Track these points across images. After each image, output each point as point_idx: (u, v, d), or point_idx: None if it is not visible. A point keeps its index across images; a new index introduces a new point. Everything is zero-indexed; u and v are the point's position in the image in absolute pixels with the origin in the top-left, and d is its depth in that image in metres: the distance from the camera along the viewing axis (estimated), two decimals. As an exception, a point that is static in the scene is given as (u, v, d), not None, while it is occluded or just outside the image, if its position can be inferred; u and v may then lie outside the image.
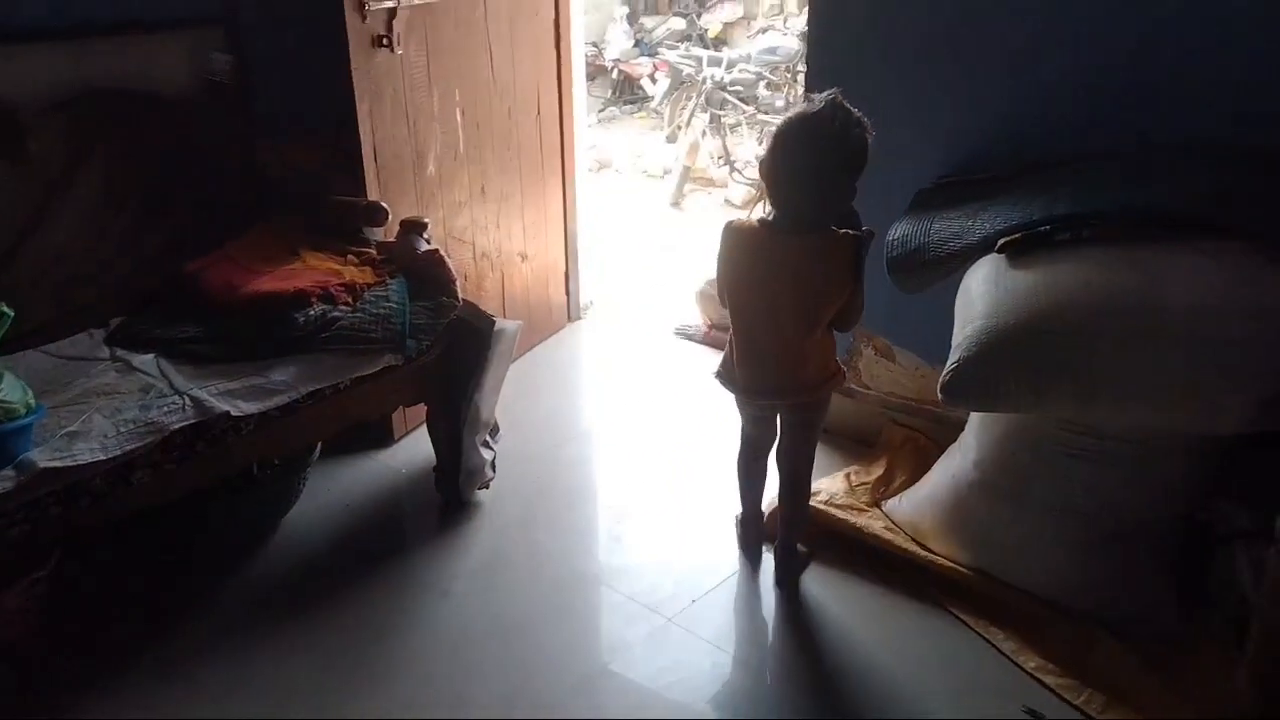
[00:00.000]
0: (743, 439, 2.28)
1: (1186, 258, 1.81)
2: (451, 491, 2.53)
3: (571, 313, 3.74)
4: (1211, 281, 1.76)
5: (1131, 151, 2.13)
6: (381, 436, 2.84)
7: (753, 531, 2.37)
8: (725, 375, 2.14)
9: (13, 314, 1.92)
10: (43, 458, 1.78)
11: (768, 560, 2.33)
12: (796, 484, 2.23)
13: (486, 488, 2.59)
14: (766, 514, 2.38)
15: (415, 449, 2.79)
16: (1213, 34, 2.02)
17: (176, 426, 1.93)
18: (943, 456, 2.32)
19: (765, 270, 1.97)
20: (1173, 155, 2.07)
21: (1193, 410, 1.72)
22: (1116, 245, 1.88)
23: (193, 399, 2.00)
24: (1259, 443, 1.77)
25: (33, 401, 1.85)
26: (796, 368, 2.03)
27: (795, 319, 1.97)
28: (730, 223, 2.03)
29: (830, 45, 2.56)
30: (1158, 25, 2.08)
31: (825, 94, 1.91)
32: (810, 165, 1.88)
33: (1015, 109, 2.29)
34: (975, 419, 2.16)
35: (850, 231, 1.95)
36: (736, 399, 2.17)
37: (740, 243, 2.00)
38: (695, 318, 3.66)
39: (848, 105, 1.90)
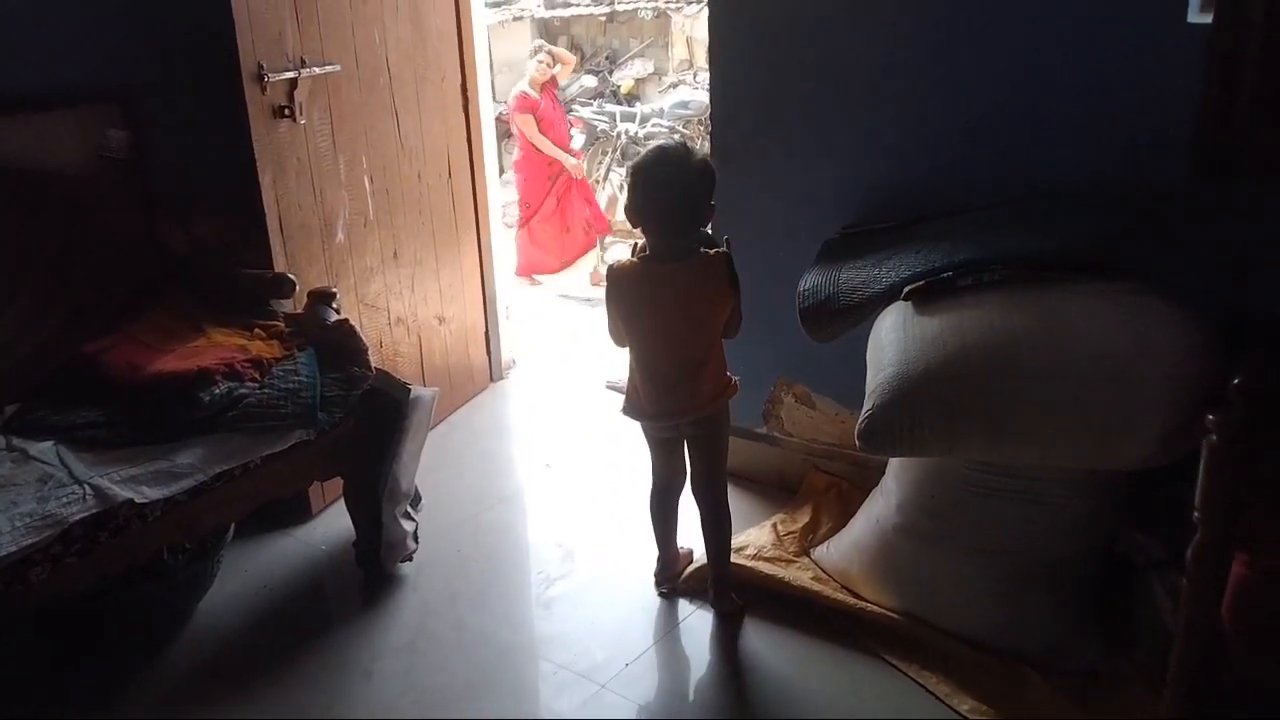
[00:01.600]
0: (654, 479, 2.34)
1: (1085, 300, 1.87)
2: (373, 565, 2.46)
3: (494, 373, 3.71)
4: (1108, 321, 1.81)
5: (1027, 197, 2.20)
6: (298, 512, 2.75)
7: (669, 573, 2.40)
8: (632, 407, 2.23)
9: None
10: (-71, 559, 1.68)
11: (699, 619, 2.30)
12: (717, 513, 2.27)
13: (410, 559, 2.52)
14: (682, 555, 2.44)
15: (334, 523, 2.71)
16: (1095, 79, 2.11)
17: (77, 518, 1.85)
18: (866, 501, 2.33)
19: (654, 301, 2.11)
20: (1066, 200, 2.14)
21: (1096, 446, 1.76)
22: (1016, 289, 1.92)
23: (94, 487, 1.92)
24: (1165, 474, 1.81)
25: (-83, 500, 1.75)
26: (697, 383, 2.14)
27: (690, 337, 2.12)
28: (611, 266, 2.17)
29: (733, 103, 2.61)
30: (1041, 73, 2.16)
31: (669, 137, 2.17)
32: (673, 193, 2.04)
33: (912, 159, 2.36)
34: (894, 463, 2.18)
35: (719, 250, 2.12)
36: (644, 429, 2.27)
37: (625, 281, 2.13)
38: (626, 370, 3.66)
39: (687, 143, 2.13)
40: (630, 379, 2.21)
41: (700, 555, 2.36)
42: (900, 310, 1.99)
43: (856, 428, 1.88)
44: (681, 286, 2.08)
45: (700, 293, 2.08)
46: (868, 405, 1.87)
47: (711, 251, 2.10)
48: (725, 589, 2.30)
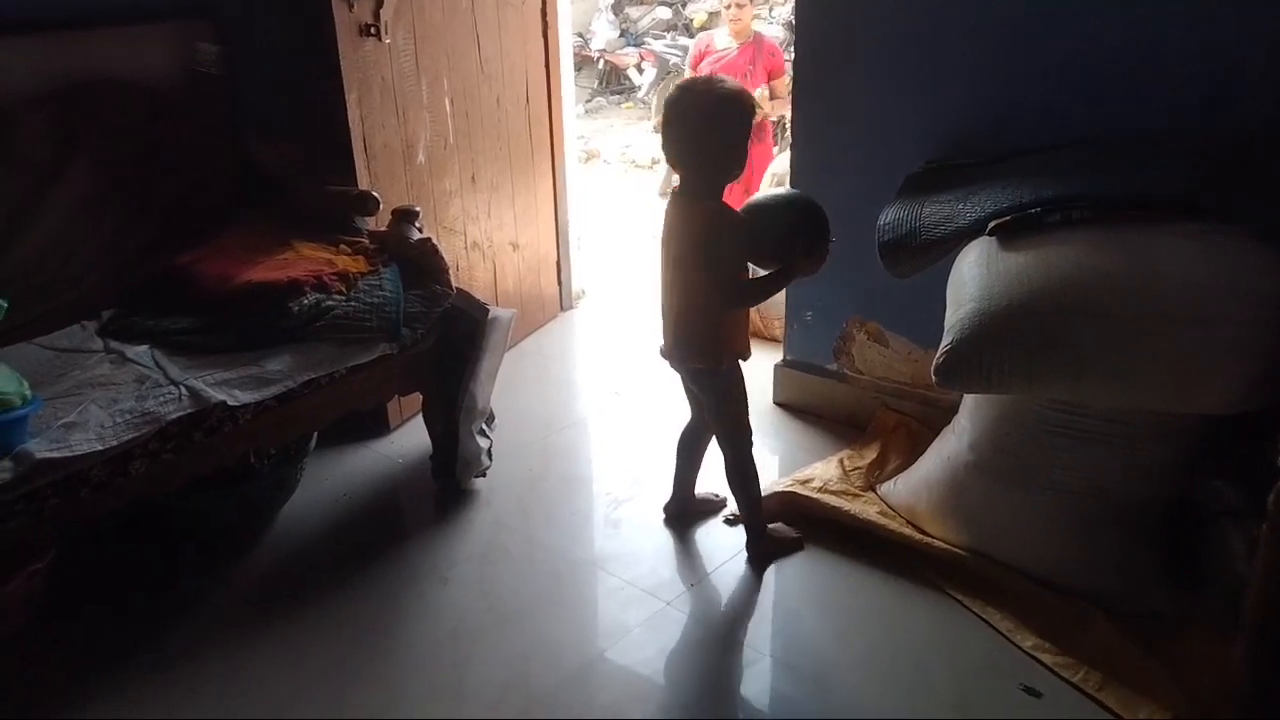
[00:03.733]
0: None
1: (1174, 240, 1.84)
2: (448, 480, 2.53)
3: (564, 301, 3.75)
4: (1199, 263, 1.78)
5: (1117, 137, 2.15)
6: (377, 426, 2.84)
7: (674, 510, 2.44)
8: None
9: (7, 304, 1.92)
10: (40, 449, 1.77)
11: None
12: (728, 469, 2.26)
13: (483, 476, 2.60)
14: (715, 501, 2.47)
15: (411, 438, 2.80)
16: (1193, 21, 2.04)
17: (173, 416, 1.93)
18: (937, 439, 2.33)
19: (663, 235, 2.11)
20: (1157, 141, 2.09)
21: (1181, 389, 1.74)
22: (1105, 227, 1.89)
23: (189, 389, 2.00)
24: (1247, 421, 1.79)
25: (29, 393, 1.84)
26: (679, 330, 2.12)
27: (671, 281, 2.11)
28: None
29: (818, 31, 2.57)
30: (1141, 11, 2.09)
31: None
32: (688, 129, 1.98)
33: (1003, 94, 2.30)
34: (969, 401, 2.18)
35: (720, 207, 2.03)
36: None
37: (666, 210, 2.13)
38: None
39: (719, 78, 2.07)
40: None
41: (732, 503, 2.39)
42: (984, 246, 1.97)
43: (934, 363, 1.87)
44: (673, 229, 2.07)
45: (683, 243, 2.05)
46: (946, 340, 1.87)
47: (711, 205, 2.02)
48: (753, 538, 2.31)
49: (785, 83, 4.25)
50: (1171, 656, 1.88)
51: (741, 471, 2.25)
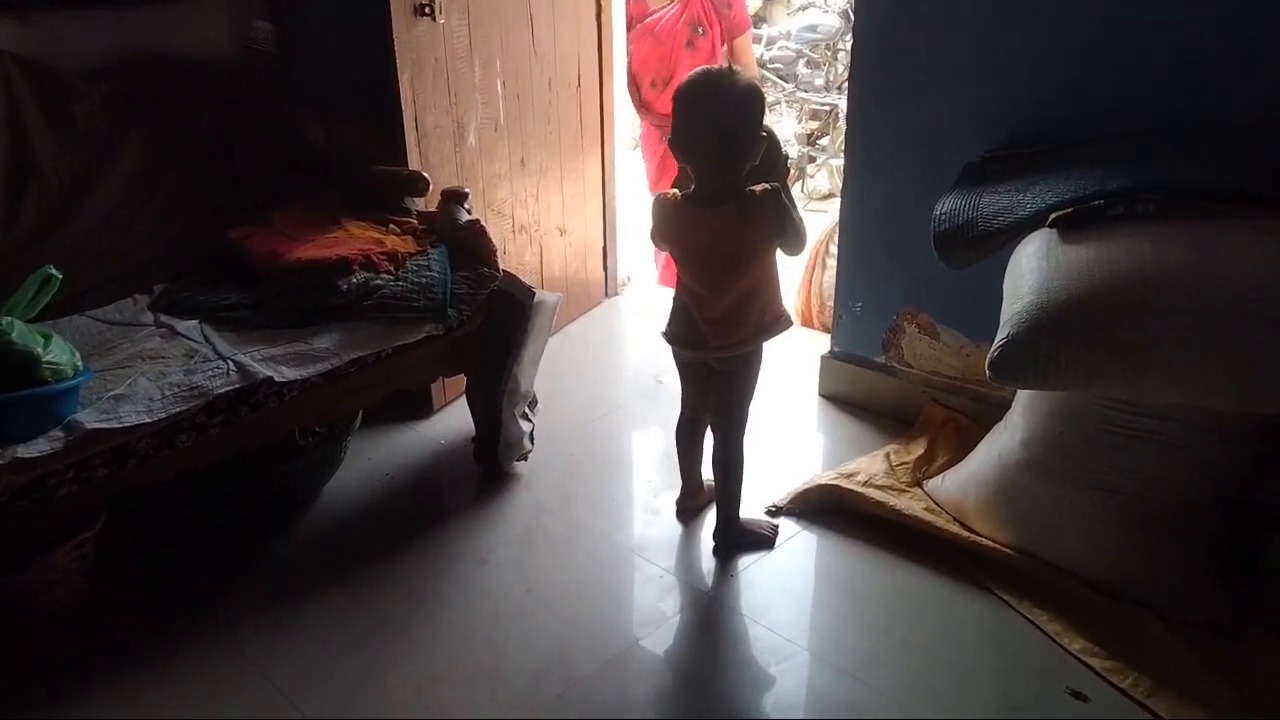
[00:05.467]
0: (681, 405, 2.31)
1: (1242, 234, 1.77)
2: (490, 462, 2.53)
3: (609, 288, 3.73)
4: (1268, 258, 1.72)
5: (1184, 127, 2.08)
6: (421, 407, 2.85)
7: (686, 504, 2.40)
8: (669, 332, 2.17)
9: (61, 276, 1.94)
10: (90, 419, 1.80)
11: (805, 540, 2.31)
12: (728, 447, 2.22)
13: (525, 459, 2.59)
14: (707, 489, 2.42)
15: (454, 420, 2.80)
16: (1266, 4, 1.96)
17: (221, 391, 1.94)
18: (988, 435, 2.28)
19: (694, 241, 2.03)
20: (1226, 131, 2.02)
21: (1245, 389, 1.68)
22: (1171, 221, 1.83)
23: (236, 364, 2.01)
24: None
25: (80, 364, 1.87)
26: (750, 315, 2.06)
27: (727, 280, 2.02)
28: (656, 199, 2.09)
29: (877, 17, 2.52)
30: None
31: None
32: (716, 123, 1.89)
33: (1067, 81, 2.24)
34: (1022, 397, 2.13)
35: (767, 186, 1.95)
36: (675, 356, 2.22)
37: (668, 217, 2.06)
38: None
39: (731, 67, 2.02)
40: (675, 299, 2.14)
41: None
42: (1044, 238, 1.92)
43: (988, 357, 1.82)
44: (721, 231, 1.96)
45: (743, 237, 1.97)
46: (1002, 333, 1.82)
47: (758, 189, 1.94)
48: (728, 527, 2.27)
49: (748, 42, 3.76)
50: (1226, 665, 1.82)
51: (740, 456, 2.23)
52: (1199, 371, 1.68)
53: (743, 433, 2.21)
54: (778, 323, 2.11)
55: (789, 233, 1.98)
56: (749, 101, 1.90)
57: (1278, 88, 1.99)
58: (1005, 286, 1.96)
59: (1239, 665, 1.82)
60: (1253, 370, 1.66)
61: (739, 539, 2.28)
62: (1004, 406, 2.24)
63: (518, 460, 2.57)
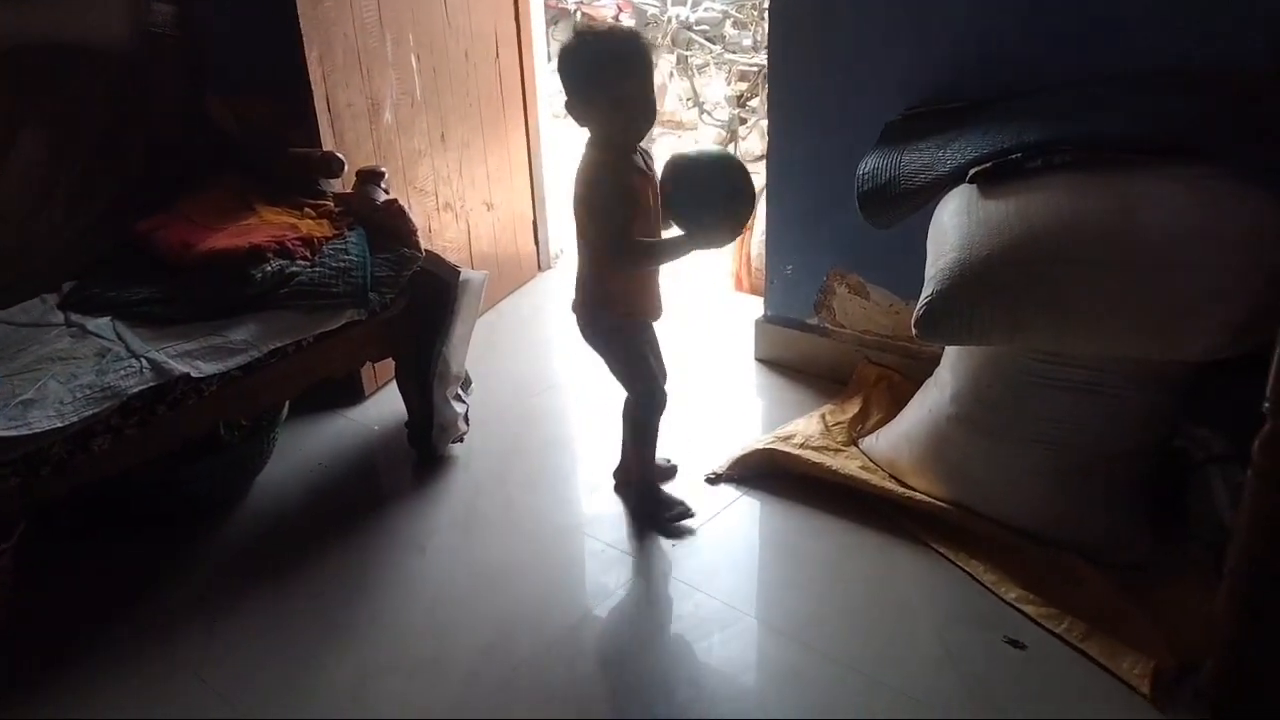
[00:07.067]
0: (657, 381, 2.28)
1: (1158, 184, 1.79)
2: (425, 446, 2.49)
3: (541, 262, 3.69)
4: (1183, 207, 1.74)
5: (1099, 79, 2.09)
6: (351, 393, 2.80)
7: (620, 477, 2.40)
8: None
9: (-44, 280, 1.85)
10: (-4, 427, 1.72)
11: (745, 505, 2.32)
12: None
13: (460, 441, 2.55)
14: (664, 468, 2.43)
15: (386, 405, 2.75)
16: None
17: (135, 390, 1.88)
18: (919, 392, 2.30)
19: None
20: (1139, 83, 2.03)
21: (1165, 336, 1.71)
22: (1088, 172, 1.85)
23: (150, 361, 1.94)
24: (1230, 368, 1.76)
25: (-18, 370, 1.79)
26: (576, 281, 2.12)
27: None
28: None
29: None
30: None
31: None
32: (572, 82, 1.92)
33: (987, 35, 2.24)
34: (950, 353, 2.14)
35: (599, 157, 1.96)
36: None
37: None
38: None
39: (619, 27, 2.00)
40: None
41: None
42: (965, 194, 1.93)
43: (914, 315, 1.84)
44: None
45: (575, 191, 2.01)
46: (927, 291, 1.83)
47: (593, 154, 1.99)
48: (639, 493, 2.30)
49: None
50: (1155, 606, 1.86)
51: (634, 431, 2.24)
52: (1118, 321, 1.70)
53: (633, 406, 2.22)
54: (596, 308, 2.13)
55: (590, 214, 2.00)
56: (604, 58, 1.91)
57: (1182, 39, 2.01)
58: (929, 244, 1.97)
59: (1165, 604, 1.87)
60: (1170, 319, 1.69)
61: (653, 509, 2.28)
62: (934, 362, 2.26)
63: (453, 443, 2.53)
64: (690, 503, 2.30)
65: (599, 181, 1.95)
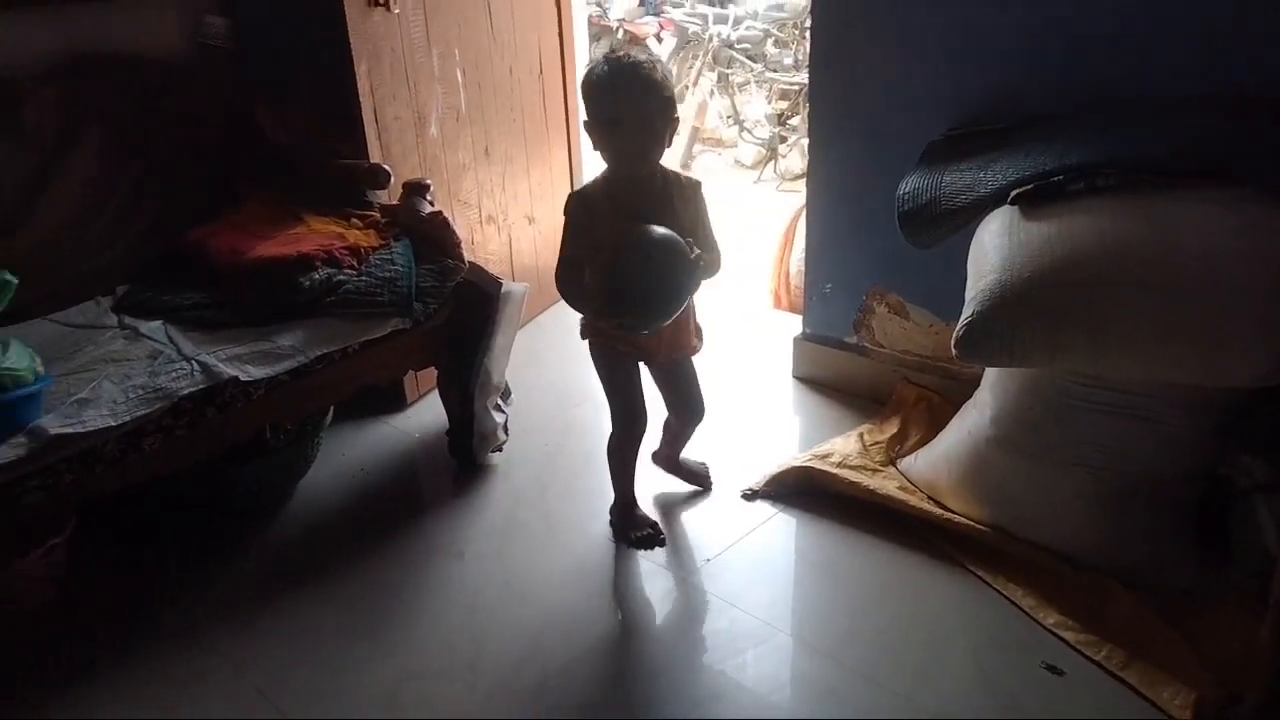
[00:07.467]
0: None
1: (1199, 206, 1.78)
2: (465, 455, 2.52)
3: (580, 276, 3.71)
4: (1226, 230, 1.72)
5: (1143, 101, 2.08)
6: (394, 401, 2.84)
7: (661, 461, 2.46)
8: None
9: (16, 281, 1.91)
10: (53, 425, 1.77)
11: (781, 522, 2.32)
12: None
13: (500, 450, 2.58)
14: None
15: (428, 413, 2.79)
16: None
17: (186, 392, 1.93)
18: (959, 413, 2.29)
19: None
20: (1180, 105, 2.02)
21: (1205, 362, 1.69)
22: (1130, 195, 1.84)
23: (201, 364, 1.99)
24: (1275, 395, 1.74)
25: (40, 369, 1.84)
26: None
27: None
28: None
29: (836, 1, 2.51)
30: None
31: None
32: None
33: (1024, 59, 2.24)
34: (991, 374, 2.14)
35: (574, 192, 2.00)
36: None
37: None
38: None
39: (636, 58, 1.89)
40: None
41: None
42: (1006, 215, 1.92)
43: (954, 335, 1.83)
44: None
45: None
46: (967, 312, 1.82)
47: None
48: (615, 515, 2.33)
49: None
50: (1197, 634, 1.84)
51: (607, 457, 2.26)
52: (1160, 346, 1.69)
53: (612, 427, 2.23)
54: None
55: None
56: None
57: (1226, 63, 2.00)
58: (969, 265, 1.96)
59: (1208, 633, 1.84)
60: (1214, 344, 1.67)
61: (626, 532, 2.28)
62: (974, 384, 2.25)
63: (492, 452, 2.56)
64: (724, 519, 2.31)
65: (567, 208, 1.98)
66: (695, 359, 2.22)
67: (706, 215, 2.01)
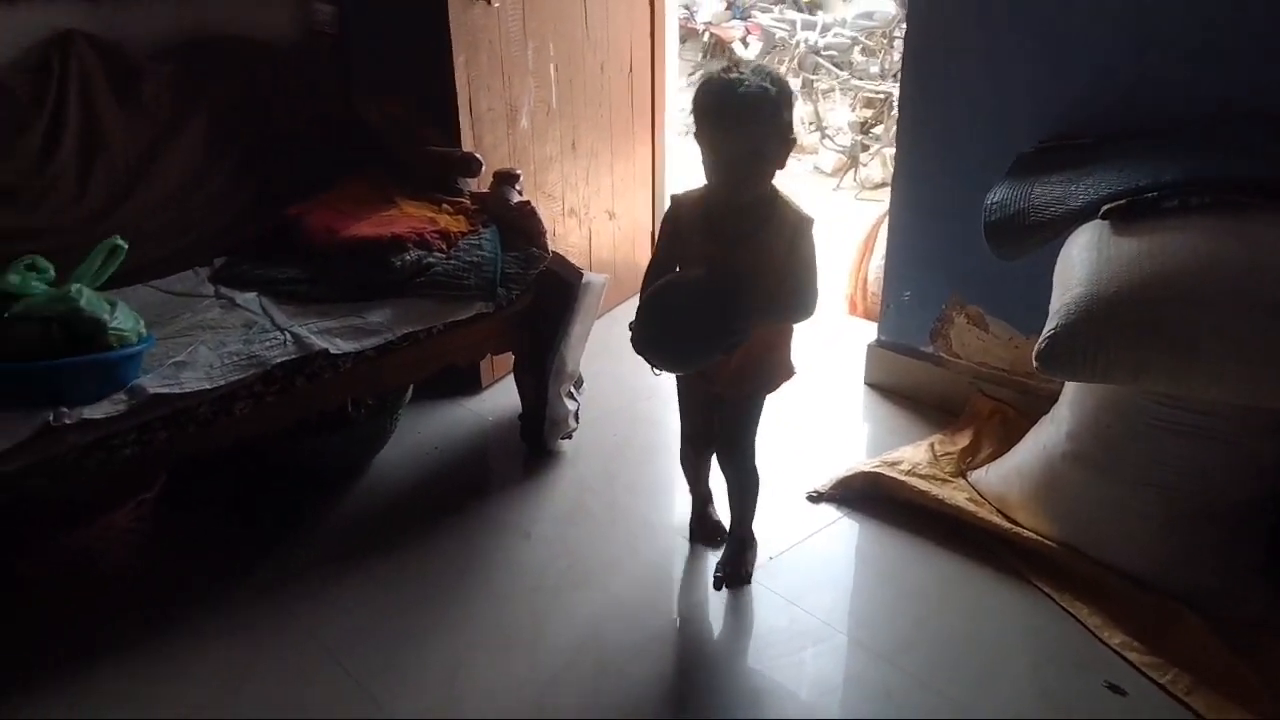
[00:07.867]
0: None
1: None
2: (535, 440, 2.57)
3: (656, 273, 3.74)
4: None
5: (1241, 118, 2.04)
6: (470, 384, 2.91)
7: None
8: None
9: (126, 246, 2.01)
10: (152, 384, 1.86)
11: (846, 526, 2.32)
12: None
13: (570, 438, 2.63)
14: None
15: (502, 398, 2.85)
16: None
17: (278, 361, 2.00)
18: (1034, 428, 2.27)
19: None
20: (1272, 123, 1.98)
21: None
22: (1224, 214, 1.80)
23: (293, 335, 2.07)
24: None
25: (143, 331, 1.93)
26: None
27: None
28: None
29: (933, 6, 2.50)
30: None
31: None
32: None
33: (1119, 72, 2.21)
34: (1070, 389, 2.11)
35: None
36: None
37: None
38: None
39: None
40: None
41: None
42: (1096, 229, 1.90)
43: (1036, 348, 1.81)
44: None
45: None
46: (1051, 325, 1.81)
47: None
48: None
49: None
50: (1267, 664, 1.80)
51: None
52: (1244, 369, 1.65)
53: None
54: None
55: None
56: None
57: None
58: (1056, 278, 1.95)
59: (1277, 664, 1.80)
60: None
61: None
62: (1051, 399, 2.23)
63: (562, 439, 2.61)
64: (789, 519, 2.33)
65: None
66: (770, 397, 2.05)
67: (807, 255, 1.82)
